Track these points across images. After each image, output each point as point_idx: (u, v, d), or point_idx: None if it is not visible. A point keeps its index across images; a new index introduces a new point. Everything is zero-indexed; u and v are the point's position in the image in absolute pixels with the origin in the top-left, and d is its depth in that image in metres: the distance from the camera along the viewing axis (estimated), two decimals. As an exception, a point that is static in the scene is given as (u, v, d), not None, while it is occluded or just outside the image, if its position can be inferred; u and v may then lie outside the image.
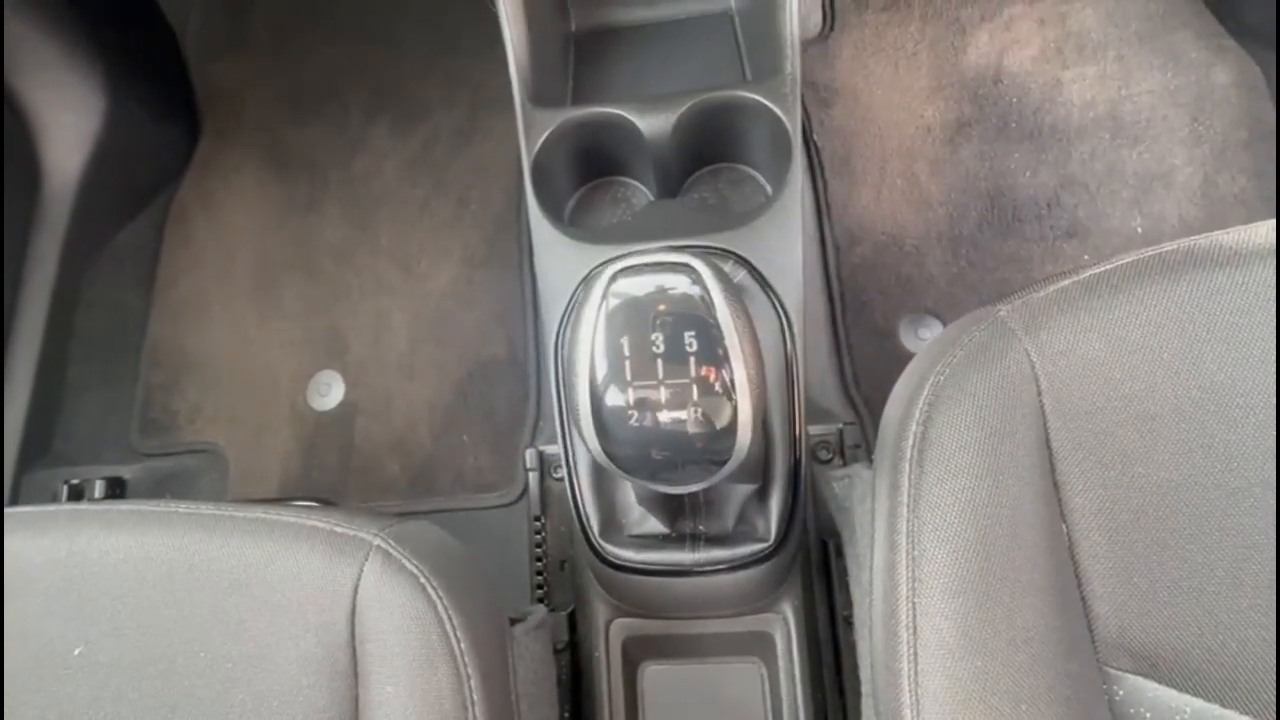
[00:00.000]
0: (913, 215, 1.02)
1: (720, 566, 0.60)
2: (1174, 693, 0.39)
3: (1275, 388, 0.39)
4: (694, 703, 0.68)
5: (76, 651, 0.44)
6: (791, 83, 0.62)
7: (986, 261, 0.99)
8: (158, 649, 0.44)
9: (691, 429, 0.45)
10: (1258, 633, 0.38)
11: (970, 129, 1.05)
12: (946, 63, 1.08)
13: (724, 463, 0.47)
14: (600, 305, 0.46)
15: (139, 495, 1.03)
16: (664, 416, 0.45)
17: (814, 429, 0.85)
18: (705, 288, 0.45)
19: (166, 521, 0.46)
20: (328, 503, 0.99)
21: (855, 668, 0.54)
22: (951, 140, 1.05)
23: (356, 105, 1.19)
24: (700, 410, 0.45)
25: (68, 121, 1.07)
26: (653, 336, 0.45)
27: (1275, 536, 0.38)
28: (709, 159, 0.71)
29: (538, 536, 0.89)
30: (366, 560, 0.44)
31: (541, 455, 0.91)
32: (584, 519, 0.62)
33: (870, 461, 0.48)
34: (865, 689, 0.49)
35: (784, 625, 0.67)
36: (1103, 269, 0.43)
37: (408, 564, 0.44)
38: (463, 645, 0.43)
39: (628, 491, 0.63)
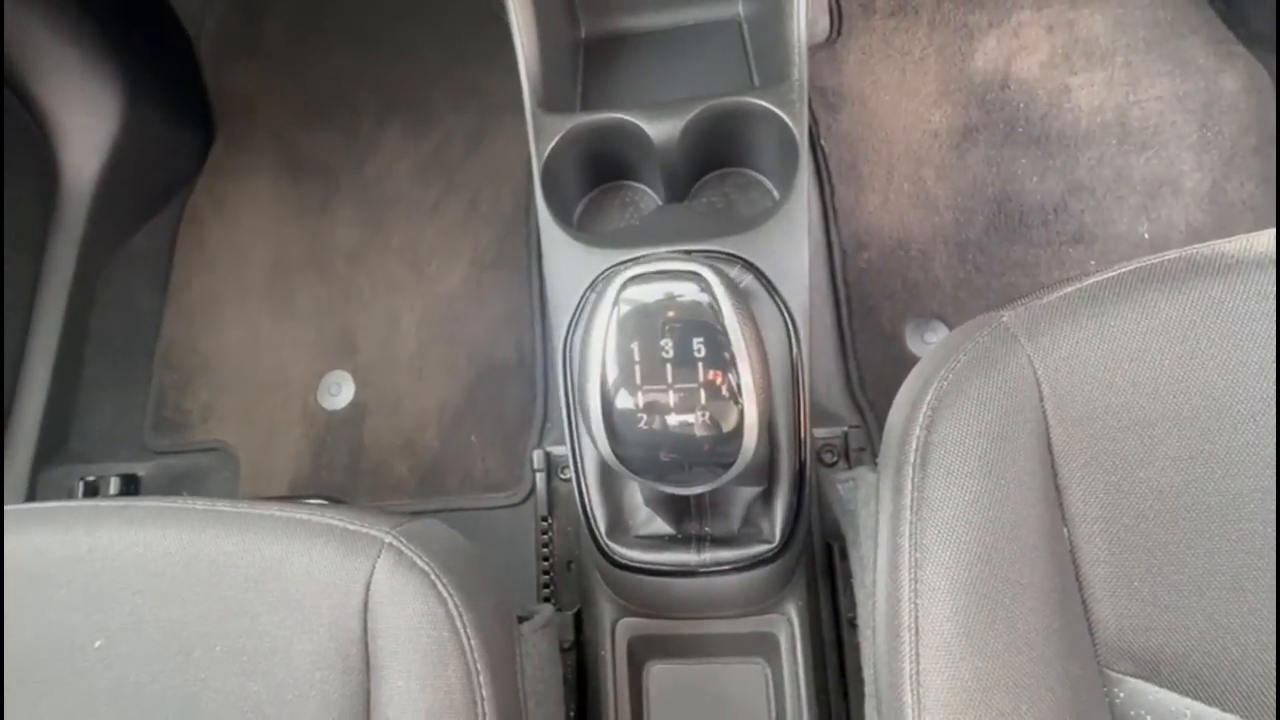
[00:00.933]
0: (919, 220, 1.02)
1: (726, 567, 0.61)
2: (1175, 696, 0.39)
3: (1275, 395, 0.39)
4: (698, 702, 0.69)
5: (97, 644, 0.45)
6: (799, 88, 0.62)
7: (993, 266, 0.99)
8: (176, 642, 0.44)
9: (699, 432, 0.46)
10: (1258, 637, 0.38)
11: (977, 134, 1.05)
12: (954, 68, 1.08)
13: (730, 465, 0.48)
14: (611, 311, 0.47)
15: (153, 493, 1.04)
16: (672, 419, 0.46)
17: (819, 432, 0.85)
18: (713, 295, 0.46)
19: (185, 518, 0.47)
20: (339, 502, 1.00)
21: (859, 669, 0.54)
22: (958, 145, 1.05)
23: (369, 110, 1.20)
24: (707, 414, 0.46)
25: (85, 125, 1.08)
26: (662, 342, 0.46)
27: (1275, 542, 0.38)
28: (716, 164, 0.71)
29: (544, 536, 0.90)
30: (379, 557, 0.45)
31: (549, 456, 0.91)
32: (591, 519, 0.63)
33: (875, 464, 0.49)
34: (869, 689, 0.49)
35: (788, 626, 0.68)
36: (1106, 276, 0.43)
37: (419, 561, 0.45)
38: (473, 641, 0.44)
39: (634, 492, 0.63)
